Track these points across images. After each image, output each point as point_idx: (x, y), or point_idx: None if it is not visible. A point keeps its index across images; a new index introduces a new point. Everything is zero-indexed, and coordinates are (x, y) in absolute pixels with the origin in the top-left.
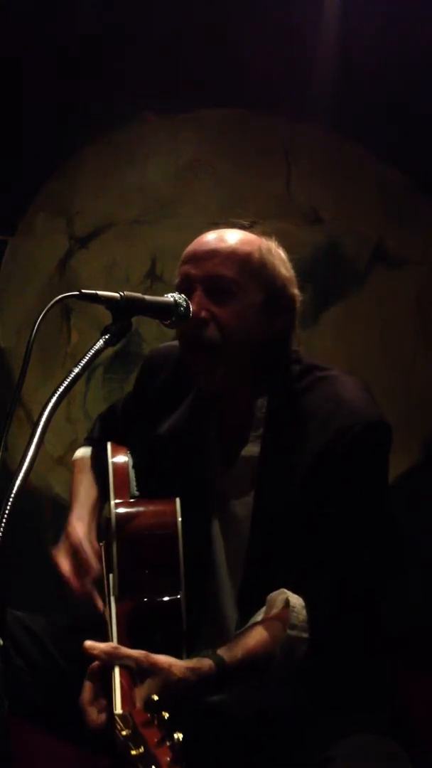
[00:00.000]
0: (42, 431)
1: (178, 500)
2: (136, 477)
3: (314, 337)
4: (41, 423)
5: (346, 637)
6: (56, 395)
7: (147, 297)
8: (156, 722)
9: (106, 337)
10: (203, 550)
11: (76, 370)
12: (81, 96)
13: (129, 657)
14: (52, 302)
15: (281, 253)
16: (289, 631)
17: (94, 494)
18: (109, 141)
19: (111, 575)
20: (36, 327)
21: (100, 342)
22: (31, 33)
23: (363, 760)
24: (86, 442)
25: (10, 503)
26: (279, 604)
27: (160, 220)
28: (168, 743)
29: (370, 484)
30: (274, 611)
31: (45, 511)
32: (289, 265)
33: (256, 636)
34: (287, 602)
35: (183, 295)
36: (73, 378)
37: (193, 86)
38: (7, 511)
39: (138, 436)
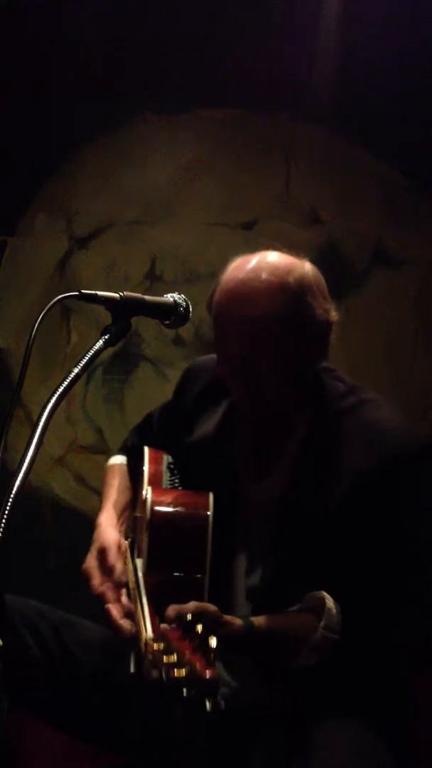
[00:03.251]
0: (41, 431)
1: (211, 495)
2: (169, 477)
3: None
4: (41, 423)
5: (370, 655)
6: (56, 395)
7: (147, 297)
8: (189, 635)
9: (106, 337)
10: (227, 548)
11: (76, 370)
12: (81, 96)
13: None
14: (52, 302)
15: (315, 279)
16: (322, 630)
17: (126, 497)
18: (109, 141)
19: (140, 559)
20: (36, 327)
21: (100, 342)
22: (31, 33)
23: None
24: (120, 452)
25: (9, 503)
26: (316, 603)
27: (159, 221)
28: (202, 650)
29: (408, 510)
30: (312, 607)
31: (45, 512)
32: (325, 290)
33: (289, 619)
34: (324, 602)
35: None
36: (72, 378)
37: (193, 86)
38: (6, 511)
39: (172, 442)
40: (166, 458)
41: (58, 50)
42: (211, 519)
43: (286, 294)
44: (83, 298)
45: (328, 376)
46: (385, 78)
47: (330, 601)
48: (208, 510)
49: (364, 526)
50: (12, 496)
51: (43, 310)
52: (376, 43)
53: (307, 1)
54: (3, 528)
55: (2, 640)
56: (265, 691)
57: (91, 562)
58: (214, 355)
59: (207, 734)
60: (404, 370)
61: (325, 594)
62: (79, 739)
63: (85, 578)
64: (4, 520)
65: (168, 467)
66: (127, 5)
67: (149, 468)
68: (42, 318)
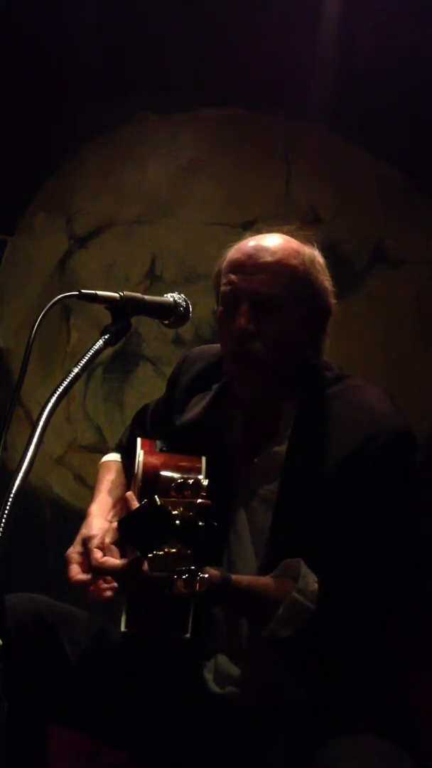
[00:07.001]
0: (41, 431)
1: (204, 458)
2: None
3: None
4: (41, 423)
5: (355, 629)
6: (56, 395)
7: (146, 297)
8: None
9: (106, 337)
10: (220, 530)
11: (76, 370)
12: (81, 96)
13: None
14: (52, 302)
15: (322, 261)
16: (295, 594)
17: (119, 492)
18: (109, 141)
19: None
20: (35, 327)
21: (100, 342)
22: (31, 33)
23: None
24: (114, 450)
25: (9, 503)
26: (292, 571)
27: (159, 220)
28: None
29: (394, 491)
30: (287, 573)
31: (44, 512)
32: (328, 277)
33: (265, 580)
34: (300, 570)
35: (226, 306)
36: (72, 378)
37: (193, 86)
38: (6, 511)
39: (164, 427)
40: (159, 443)
41: (58, 50)
42: (204, 465)
43: (301, 256)
44: (83, 297)
45: (319, 366)
46: (385, 78)
47: (305, 569)
48: (200, 463)
49: (354, 507)
50: (12, 495)
51: (43, 310)
52: (376, 43)
53: (307, 1)
54: (3, 528)
55: (2, 640)
56: (277, 688)
57: (73, 549)
58: (210, 345)
59: (219, 735)
60: (404, 370)
61: (302, 563)
62: (86, 732)
63: (66, 564)
64: (4, 520)
65: (160, 450)
66: (127, 5)
67: (141, 451)
68: (42, 318)
